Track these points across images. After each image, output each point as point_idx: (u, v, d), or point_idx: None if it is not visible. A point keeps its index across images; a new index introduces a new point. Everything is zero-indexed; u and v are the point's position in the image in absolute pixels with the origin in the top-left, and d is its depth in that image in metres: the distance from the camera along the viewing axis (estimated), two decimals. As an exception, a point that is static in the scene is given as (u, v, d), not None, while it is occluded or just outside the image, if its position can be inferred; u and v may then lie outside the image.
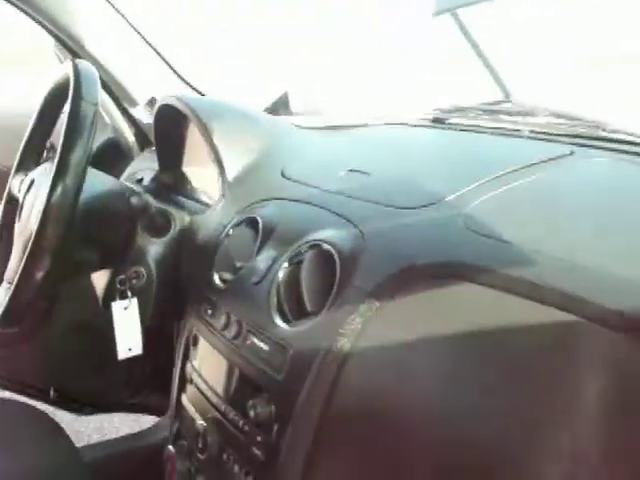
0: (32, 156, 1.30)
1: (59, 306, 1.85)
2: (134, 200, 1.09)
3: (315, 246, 0.86)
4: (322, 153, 1.14)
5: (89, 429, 2.41)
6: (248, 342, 0.89)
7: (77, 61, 1.11)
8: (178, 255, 1.17)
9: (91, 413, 2.08)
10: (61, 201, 0.99)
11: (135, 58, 1.55)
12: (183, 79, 1.59)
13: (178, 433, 1.08)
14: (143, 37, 1.54)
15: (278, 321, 0.85)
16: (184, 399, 1.06)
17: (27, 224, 1.13)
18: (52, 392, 2.01)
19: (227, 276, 0.99)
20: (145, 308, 1.16)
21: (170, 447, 1.04)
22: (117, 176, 1.56)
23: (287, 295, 0.86)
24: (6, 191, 1.33)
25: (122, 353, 1.16)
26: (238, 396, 0.90)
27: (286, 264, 0.88)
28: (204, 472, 0.97)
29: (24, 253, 1.12)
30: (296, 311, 0.84)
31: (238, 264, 0.97)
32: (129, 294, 1.14)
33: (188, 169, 1.36)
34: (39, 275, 1.01)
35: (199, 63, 1.84)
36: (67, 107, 1.27)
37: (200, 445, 0.96)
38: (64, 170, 1.00)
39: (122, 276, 1.15)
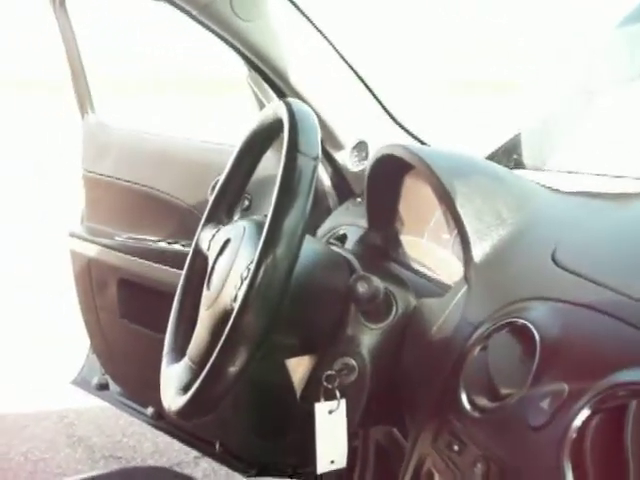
0: (225, 207, 1.11)
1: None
2: (362, 287, 0.86)
3: (640, 394, 0.58)
4: (607, 234, 0.86)
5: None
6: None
7: (292, 102, 0.90)
8: (399, 348, 0.93)
9: (257, 475, 1.90)
10: (269, 280, 0.79)
11: (343, 94, 1.34)
12: (396, 121, 1.36)
13: None
14: (355, 70, 1.33)
15: None
16: None
17: (220, 296, 0.93)
18: (217, 446, 1.86)
19: (483, 402, 0.73)
20: (353, 411, 0.93)
21: None
22: (311, 229, 1.35)
23: (593, 459, 0.59)
24: (193, 244, 1.14)
25: (322, 466, 0.92)
26: None
27: (587, 411, 0.61)
28: None
29: (214, 333, 0.93)
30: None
31: (504, 390, 0.71)
32: (338, 395, 0.91)
33: (406, 235, 1.12)
34: (235, 369, 0.81)
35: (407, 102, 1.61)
36: (266, 154, 1.07)
37: None
38: (276, 239, 0.79)
39: (330, 372, 0.91)
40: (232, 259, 0.93)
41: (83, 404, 2.52)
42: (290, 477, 1.87)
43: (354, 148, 1.34)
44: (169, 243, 1.77)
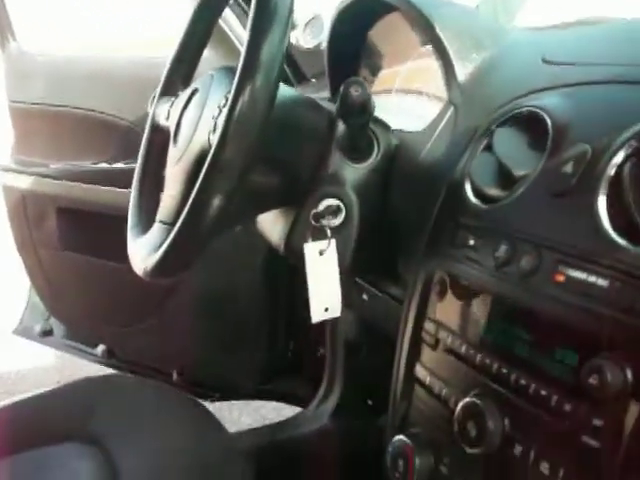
0: (182, 76, 1.03)
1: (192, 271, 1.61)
2: (355, 91, 0.79)
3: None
4: (596, 39, 0.83)
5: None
6: (559, 278, 0.59)
7: None
8: (386, 186, 0.89)
9: (219, 399, 1.84)
10: (250, 109, 0.72)
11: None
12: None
13: (404, 419, 0.79)
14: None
15: (620, 241, 0.55)
16: (418, 370, 0.76)
17: (192, 142, 0.86)
18: (175, 375, 1.79)
19: (494, 192, 0.70)
20: (343, 254, 0.87)
21: (402, 437, 0.74)
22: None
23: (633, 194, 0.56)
24: (148, 122, 1.07)
25: (316, 315, 0.87)
26: (546, 357, 0.60)
27: (619, 158, 0.58)
28: (472, 472, 0.67)
29: (187, 183, 0.86)
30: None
31: (518, 172, 0.68)
32: (328, 233, 0.86)
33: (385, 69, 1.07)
34: (214, 209, 0.74)
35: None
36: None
37: (460, 433, 0.66)
38: (254, 66, 0.72)
39: (317, 210, 0.86)
40: (203, 102, 0.87)
41: (23, 365, 2.40)
42: (253, 397, 1.82)
43: (307, 24, 1.28)
44: (110, 164, 1.69)
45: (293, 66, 1.34)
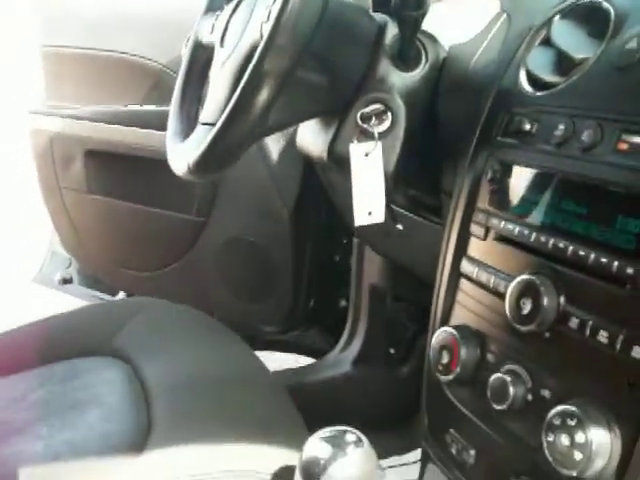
0: None
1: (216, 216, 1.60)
2: None
3: None
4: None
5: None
6: (623, 146, 0.59)
7: None
8: (434, 96, 0.88)
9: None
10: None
11: None
12: None
13: (447, 314, 0.78)
14: None
15: None
16: (465, 265, 0.76)
17: (240, 43, 0.86)
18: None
19: (552, 78, 0.70)
20: (387, 162, 0.87)
21: (446, 329, 0.74)
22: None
23: None
24: (191, 42, 1.06)
25: (360, 218, 0.86)
26: (606, 228, 0.59)
27: None
28: (522, 354, 0.67)
29: (235, 79, 0.86)
30: None
31: (579, 55, 0.68)
32: (376, 134, 0.85)
33: None
34: (264, 95, 0.74)
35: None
36: None
37: (511, 313, 0.65)
38: None
39: (366, 109, 0.85)
40: (253, 2, 0.87)
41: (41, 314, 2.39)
42: (271, 348, 1.80)
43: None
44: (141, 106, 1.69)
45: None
